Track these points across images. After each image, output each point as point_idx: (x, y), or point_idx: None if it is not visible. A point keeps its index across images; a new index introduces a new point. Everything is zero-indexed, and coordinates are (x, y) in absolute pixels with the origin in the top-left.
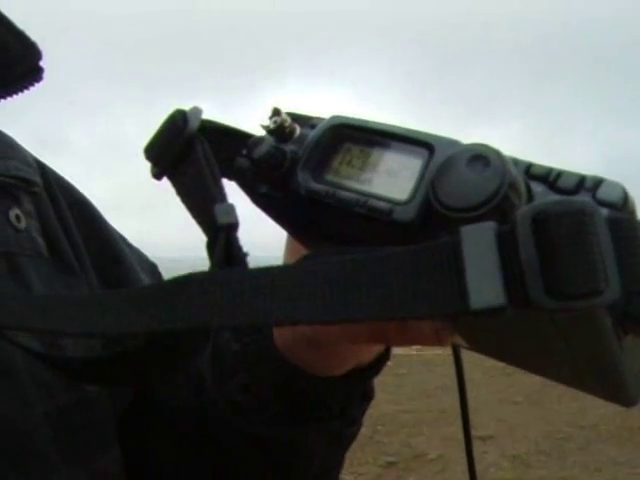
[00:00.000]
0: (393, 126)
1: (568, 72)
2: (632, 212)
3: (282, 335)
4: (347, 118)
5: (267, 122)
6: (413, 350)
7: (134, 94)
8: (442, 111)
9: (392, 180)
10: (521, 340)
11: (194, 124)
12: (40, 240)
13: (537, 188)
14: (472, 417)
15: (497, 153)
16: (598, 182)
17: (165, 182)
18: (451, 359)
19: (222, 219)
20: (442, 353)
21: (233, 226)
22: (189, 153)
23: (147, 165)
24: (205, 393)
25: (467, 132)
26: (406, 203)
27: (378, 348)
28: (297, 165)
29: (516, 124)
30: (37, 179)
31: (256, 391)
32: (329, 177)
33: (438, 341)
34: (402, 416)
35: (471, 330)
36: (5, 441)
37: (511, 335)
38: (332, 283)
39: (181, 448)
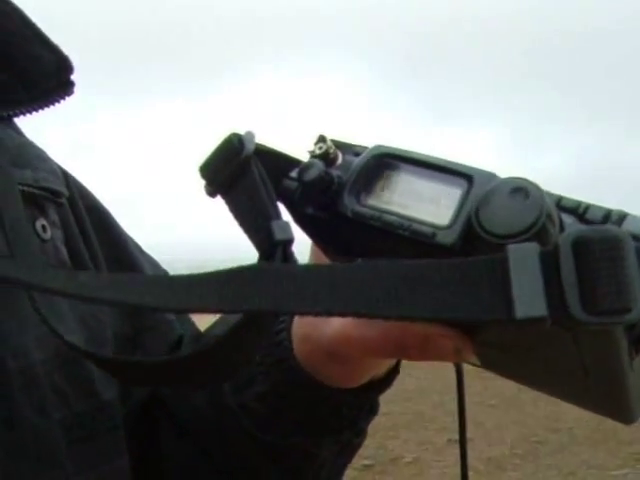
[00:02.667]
0: (433, 157)
1: (542, 79)
2: None
3: (301, 347)
4: (389, 147)
5: (312, 148)
6: None
7: (104, 91)
8: (414, 115)
9: (432, 207)
10: (536, 360)
11: (251, 147)
12: (64, 250)
13: (567, 219)
14: (449, 420)
15: (536, 186)
16: (623, 216)
17: (138, 190)
18: (428, 363)
19: (279, 235)
20: None
21: (289, 242)
22: (244, 173)
23: (117, 168)
24: (222, 400)
25: (441, 137)
26: (448, 228)
27: (390, 362)
28: (344, 189)
29: (489, 131)
30: (63, 190)
31: (273, 400)
32: (372, 202)
33: (457, 358)
34: (379, 419)
35: (489, 349)
36: (26, 446)
37: (527, 355)
38: (389, 282)
39: (195, 453)
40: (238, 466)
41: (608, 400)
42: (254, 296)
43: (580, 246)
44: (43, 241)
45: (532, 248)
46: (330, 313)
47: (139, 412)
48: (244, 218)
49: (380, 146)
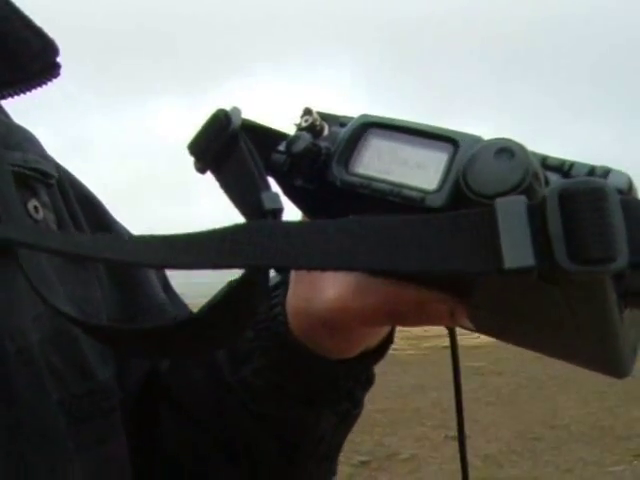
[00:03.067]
0: (418, 123)
1: (539, 72)
2: (636, 196)
3: (297, 321)
4: (375, 117)
5: (299, 121)
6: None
7: (99, 91)
8: (411, 110)
9: (420, 172)
10: (528, 319)
11: (237, 121)
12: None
13: (552, 177)
14: (446, 417)
15: (521, 146)
16: (607, 171)
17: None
18: (425, 359)
19: (269, 205)
20: (417, 353)
21: (279, 211)
22: (233, 148)
23: (108, 165)
24: (220, 377)
25: None
26: (436, 191)
27: (384, 332)
28: (332, 159)
29: (486, 126)
30: (54, 172)
31: (270, 375)
32: (361, 170)
33: (452, 321)
34: (375, 415)
35: (482, 312)
36: (26, 425)
37: (519, 315)
38: (382, 237)
39: (194, 429)
40: (238, 441)
41: (600, 355)
42: (250, 251)
43: (566, 198)
44: (35, 222)
45: (519, 201)
46: (324, 268)
47: (138, 392)
48: (234, 191)
49: (366, 115)
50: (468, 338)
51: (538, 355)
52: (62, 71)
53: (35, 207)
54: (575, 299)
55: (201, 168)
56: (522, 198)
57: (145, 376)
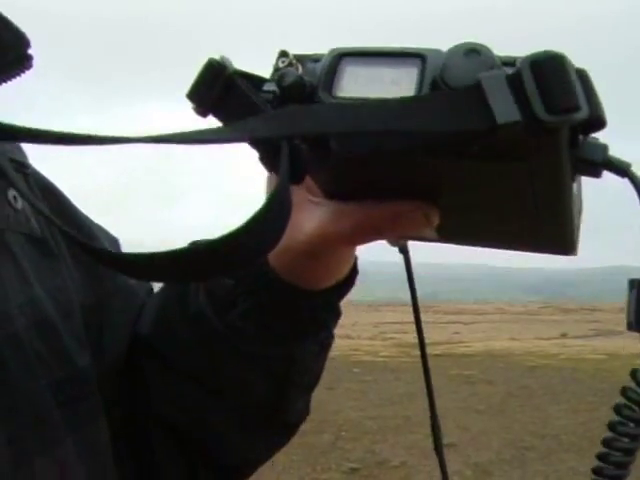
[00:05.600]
0: (385, 47)
1: None
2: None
3: (279, 258)
4: (346, 47)
5: (276, 63)
6: (379, 357)
7: (87, 96)
8: None
9: (396, 86)
10: (494, 207)
11: (231, 64)
12: (34, 221)
13: (508, 70)
14: None
15: (484, 45)
16: None
17: (125, 187)
18: (417, 367)
19: None
20: (408, 360)
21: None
22: (232, 88)
23: (98, 167)
24: (207, 326)
25: None
26: None
27: (351, 262)
28: (317, 88)
29: None
30: (28, 162)
31: (258, 315)
32: (343, 94)
33: (428, 224)
34: (366, 423)
35: (450, 213)
36: (20, 407)
37: (486, 204)
38: (394, 110)
39: (183, 381)
40: (228, 384)
41: (555, 235)
42: (299, 122)
43: (536, 65)
44: (15, 211)
45: (499, 73)
46: (328, 133)
47: (123, 362)
48: None
49: (336, 48)
50: (459, 347)
51: (529, 365)
52: (50, 71)
53: (14, 196)
54: (537, 174)
55: (203, 112)
56: (501, 71)
57: (128, 345)
